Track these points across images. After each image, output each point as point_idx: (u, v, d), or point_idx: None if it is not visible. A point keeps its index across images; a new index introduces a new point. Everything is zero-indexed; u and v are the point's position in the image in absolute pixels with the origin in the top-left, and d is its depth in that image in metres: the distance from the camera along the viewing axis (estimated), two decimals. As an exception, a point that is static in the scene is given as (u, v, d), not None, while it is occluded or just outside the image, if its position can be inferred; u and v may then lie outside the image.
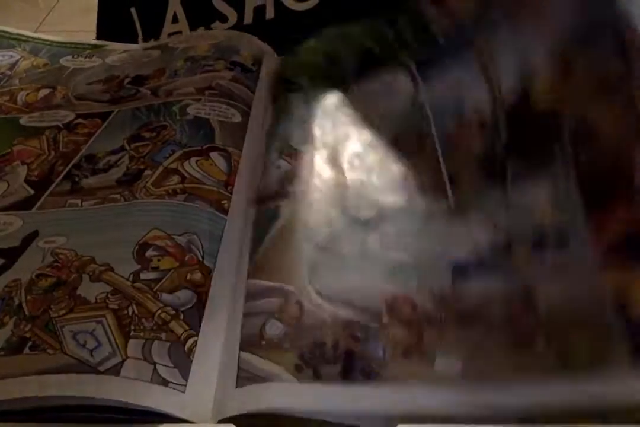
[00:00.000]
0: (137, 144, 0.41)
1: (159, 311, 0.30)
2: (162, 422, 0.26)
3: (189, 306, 0.31)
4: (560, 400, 0.24)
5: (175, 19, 0.57)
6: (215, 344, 0.30)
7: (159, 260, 0.32)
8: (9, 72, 0.51)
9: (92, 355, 0.28)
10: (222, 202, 0.37)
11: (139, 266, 0.32)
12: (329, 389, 0.27)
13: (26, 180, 0.38)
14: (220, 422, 0.26)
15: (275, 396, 0.27)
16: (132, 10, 0.59)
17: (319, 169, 0.38)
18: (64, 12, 2.08)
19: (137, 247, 0.33)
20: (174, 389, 0.27)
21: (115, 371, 0.27)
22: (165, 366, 0.28)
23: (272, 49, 0.52)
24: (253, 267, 0.33)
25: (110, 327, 0.29)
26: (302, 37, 0.52)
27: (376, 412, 0.26)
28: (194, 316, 0.30)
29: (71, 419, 0.26)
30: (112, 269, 0.32)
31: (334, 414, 0.26)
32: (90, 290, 0.31)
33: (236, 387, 0.27)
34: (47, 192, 0.37)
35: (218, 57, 0.49)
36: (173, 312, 0.30)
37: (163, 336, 0.29)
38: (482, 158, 0.34)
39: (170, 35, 0.57)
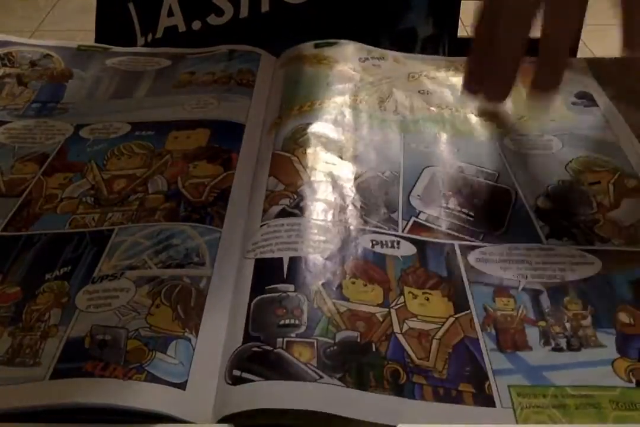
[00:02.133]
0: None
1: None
2: (162, 422, 0.26)
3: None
4: None
5: (170, 13, 0.56)
6: (215, 342, 0.29)
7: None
8: None
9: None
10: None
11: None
12: (329, 388, 0.26)
13: None
14: (219, 421, 0.26)
15: (274, 395, 0.26)
16: (130, 5, 0.59)
17: None
18: (64, 11, 2.08)
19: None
20: (173, 389, 0.27)
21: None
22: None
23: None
24: None
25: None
26: (298, 30, 0.52)
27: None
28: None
29: (71, 420, 0.26)
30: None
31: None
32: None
33: (235, 386, 0.27)
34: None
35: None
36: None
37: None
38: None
39: (166, 29, 0.57)
